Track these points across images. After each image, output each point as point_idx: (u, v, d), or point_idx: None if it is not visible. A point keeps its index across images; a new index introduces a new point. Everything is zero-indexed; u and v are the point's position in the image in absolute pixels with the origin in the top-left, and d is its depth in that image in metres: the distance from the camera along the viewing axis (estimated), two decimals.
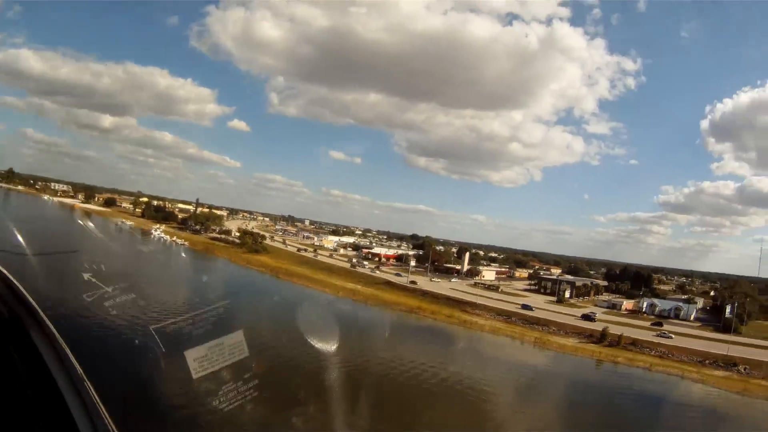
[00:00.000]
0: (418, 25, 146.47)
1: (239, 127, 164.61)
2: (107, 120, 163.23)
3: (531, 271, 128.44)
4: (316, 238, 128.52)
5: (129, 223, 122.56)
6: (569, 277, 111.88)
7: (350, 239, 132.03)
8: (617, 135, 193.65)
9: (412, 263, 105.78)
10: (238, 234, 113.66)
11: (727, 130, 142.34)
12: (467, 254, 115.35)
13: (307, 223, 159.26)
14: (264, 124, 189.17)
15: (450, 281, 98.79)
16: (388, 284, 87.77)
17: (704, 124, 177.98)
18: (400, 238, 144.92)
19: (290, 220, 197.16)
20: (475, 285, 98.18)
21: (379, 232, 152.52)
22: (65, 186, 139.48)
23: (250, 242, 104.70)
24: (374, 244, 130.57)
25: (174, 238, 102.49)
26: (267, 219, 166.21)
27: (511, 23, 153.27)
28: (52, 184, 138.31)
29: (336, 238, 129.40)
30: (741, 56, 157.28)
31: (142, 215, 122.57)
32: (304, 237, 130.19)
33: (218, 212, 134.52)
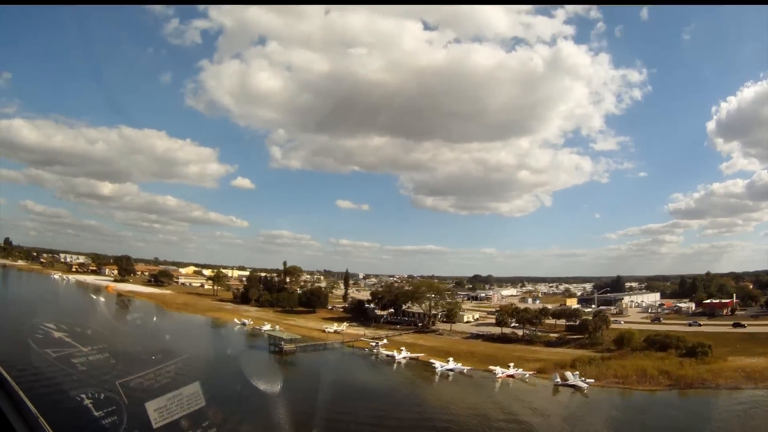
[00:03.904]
0: (421, 61, 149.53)
1: (243, 185, 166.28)
2: (107, 187, 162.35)
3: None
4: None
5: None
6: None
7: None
8: (625, 149, 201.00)
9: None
10: None
11: (733, 127, 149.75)
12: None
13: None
14: (268, 180, 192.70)
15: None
16: None
17: (711, 125, 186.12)
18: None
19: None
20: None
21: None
22: (81, 258, 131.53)
23: None
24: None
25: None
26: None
27: (515, 48, 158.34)
28: (62, 255, 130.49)
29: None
30: (742, 52, 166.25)
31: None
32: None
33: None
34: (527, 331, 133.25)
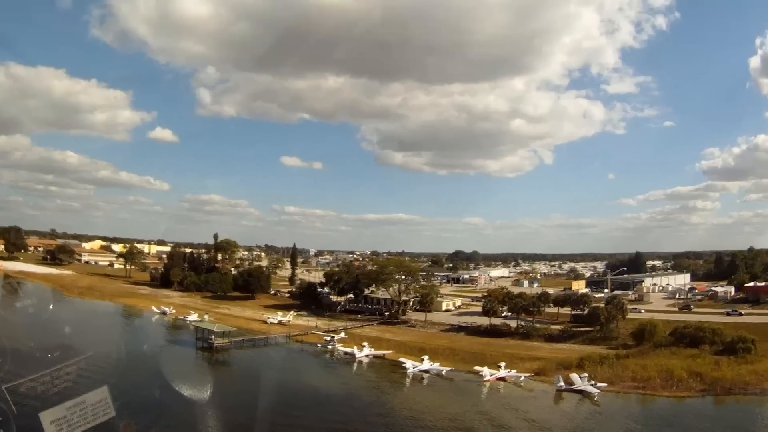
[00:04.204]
0: None
1: (163, 137, 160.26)
2: None
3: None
4: None
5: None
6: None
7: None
8: (646, 92, 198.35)
9: None
10: None
11: None
12: None
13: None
14: (194, 131, 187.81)
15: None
16: None
17: (754, 61, 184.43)
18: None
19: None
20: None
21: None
22: None
23: None
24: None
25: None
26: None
27: None
28: None
29: None
30: None
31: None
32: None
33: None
34: (522, 323, 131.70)
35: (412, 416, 72.04)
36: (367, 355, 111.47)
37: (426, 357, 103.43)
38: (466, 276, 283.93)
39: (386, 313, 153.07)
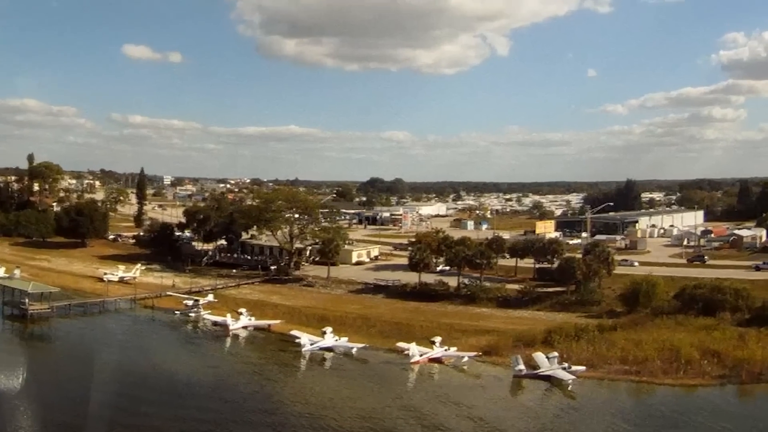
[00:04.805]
0: None
1: None
2: None
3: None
4: None
5: None
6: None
7: None
8: None
9: None
10: None
11: None
12: None
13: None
14: None
15: None
16: None
17: None
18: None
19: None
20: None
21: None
22: None
23: None
24: None
25: None
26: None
27: None
28: None
29: None
30: None
31: None
32: None
33: None
34: (466, 281, 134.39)
35: (309, 413, 72.85)
36: (245, 327, 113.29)
37: (329, 329, 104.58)
38: (386, 214, 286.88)
39: (273, 268, 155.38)
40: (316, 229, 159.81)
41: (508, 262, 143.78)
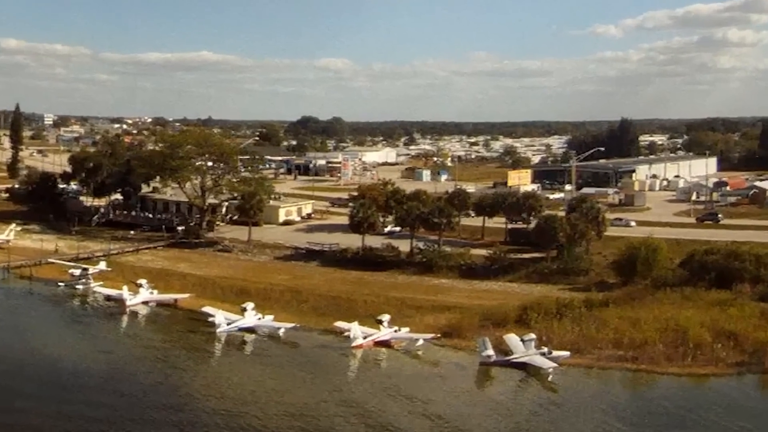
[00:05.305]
0: None
1: None
2: None
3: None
4: None
5: None
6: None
7: None
8: None
9: None
10: None
11: None
12: None
13: None
14: None
15: None
16: None
17: None
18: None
19: None
20: None
21: None
22: None
23: None
24: None
25: None
26: None
27: None
28: None
29: None
30: None
31: None
32: None
33: None
34: (421, 245, 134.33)
35: (225, 410, 72.97)
36: (146, 302, 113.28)
37: (250, 305, 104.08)
38: (322, 162, 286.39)
39: (180, 229, 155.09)
40: (234, 180, 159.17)
41: (473, 221, 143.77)
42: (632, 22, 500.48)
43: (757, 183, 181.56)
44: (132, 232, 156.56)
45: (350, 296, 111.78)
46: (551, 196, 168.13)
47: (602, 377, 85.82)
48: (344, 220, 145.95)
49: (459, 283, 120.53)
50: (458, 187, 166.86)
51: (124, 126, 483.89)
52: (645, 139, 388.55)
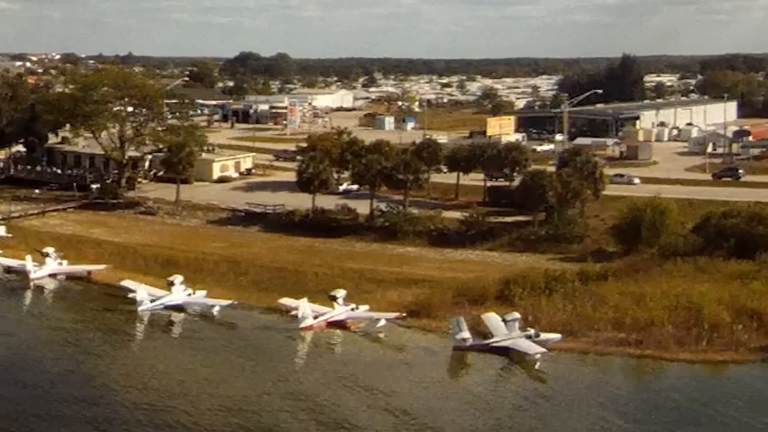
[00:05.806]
0: None
1: None
2: None
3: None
4: None
5: None
6: None
7: None
8: None
9: None
10: None
11: None
12: None
13: None
14: None
15: None
16: None
17: None
18: None
19: None
20: None
21: None
22: None
23: None
24: None
25: None
26: None
27: None
28: None
29: None
30: None
31: None
32: None
33: None
34: (384, 206, 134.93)
35: (149, 404, 73.23)
36: (54, 275, 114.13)
37: (179, 279, 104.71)
38: (264, 107, 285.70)
39: (95, 187, 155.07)
40: (160, 129, 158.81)
41: (445, 178, 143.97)
42: None
43: None
44: (37, 190, 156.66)
45: (298, 268, 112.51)
46: (539, 148, 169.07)
47: (600, 364, 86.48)
48: (291, 177, 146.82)
49: (428, 252, 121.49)
50: (427, 137, 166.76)
51: (28, 64, 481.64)
52: (651, 79, 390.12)
